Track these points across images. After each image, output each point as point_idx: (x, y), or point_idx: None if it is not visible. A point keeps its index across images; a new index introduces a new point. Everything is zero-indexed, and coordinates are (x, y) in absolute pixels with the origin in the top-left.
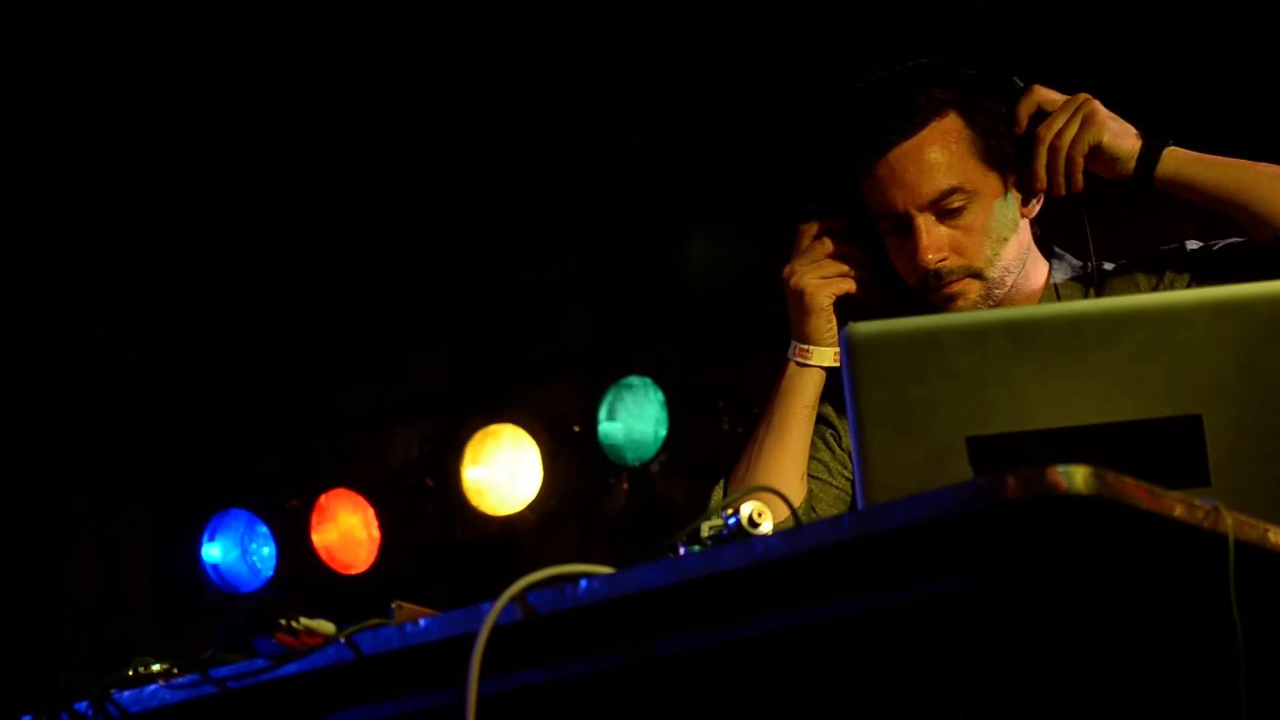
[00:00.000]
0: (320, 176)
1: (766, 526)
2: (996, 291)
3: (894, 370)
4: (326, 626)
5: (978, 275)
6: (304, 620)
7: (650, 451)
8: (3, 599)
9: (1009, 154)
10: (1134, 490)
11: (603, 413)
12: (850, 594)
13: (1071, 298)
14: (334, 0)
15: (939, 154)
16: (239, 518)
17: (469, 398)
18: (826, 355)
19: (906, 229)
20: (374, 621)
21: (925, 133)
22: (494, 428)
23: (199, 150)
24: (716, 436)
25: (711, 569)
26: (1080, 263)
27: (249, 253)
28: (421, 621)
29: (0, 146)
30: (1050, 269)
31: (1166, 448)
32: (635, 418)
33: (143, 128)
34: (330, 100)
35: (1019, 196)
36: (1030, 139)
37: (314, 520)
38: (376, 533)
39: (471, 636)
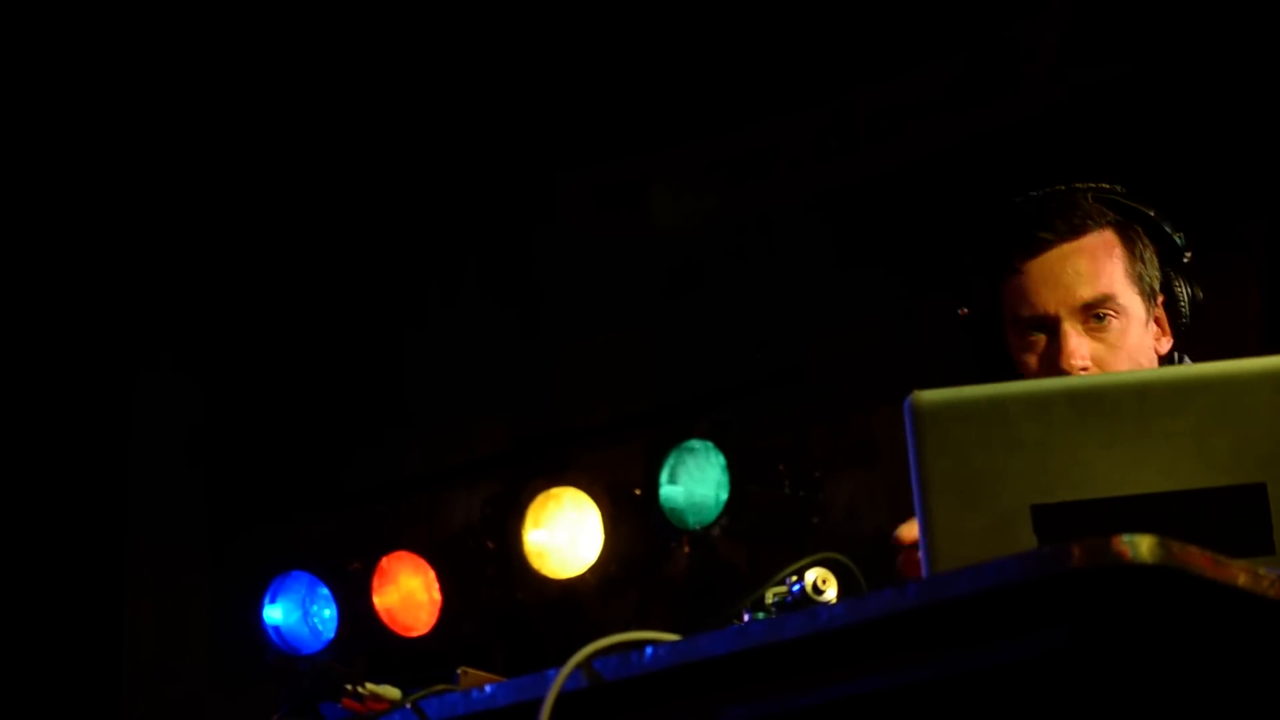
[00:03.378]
0: (383, 240)
1: (830, 594)
2: None
3: (959, 438)
4: (392, 692)
5: None
6: (370, 686)
7: (711, 515)
8: (65, 659)
9: (1153, 286)
10: (1198, 559)
11: (664, 476)
12: (915, 662)
13: None
14: (402, 64)
15: (1098, 261)
16: (300, 580)
17: (530, 461)
18: None
19: (1051, 331)
20: (440, 687)
21: (1087, 238)
22: (555, 491)
23: (262, 210)
24: (778, 500)
25: (776, 637)
26: None
27: (312, 313)
28: (487, 688)
29: (64, 211)
30: None
31: (1231, 516)
32: (696, 481)
33: (205, 189)
34: (395, 164)
35: (1154, 331)
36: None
37: (375, 583)
38: (438, 595)
39: (537, 703)
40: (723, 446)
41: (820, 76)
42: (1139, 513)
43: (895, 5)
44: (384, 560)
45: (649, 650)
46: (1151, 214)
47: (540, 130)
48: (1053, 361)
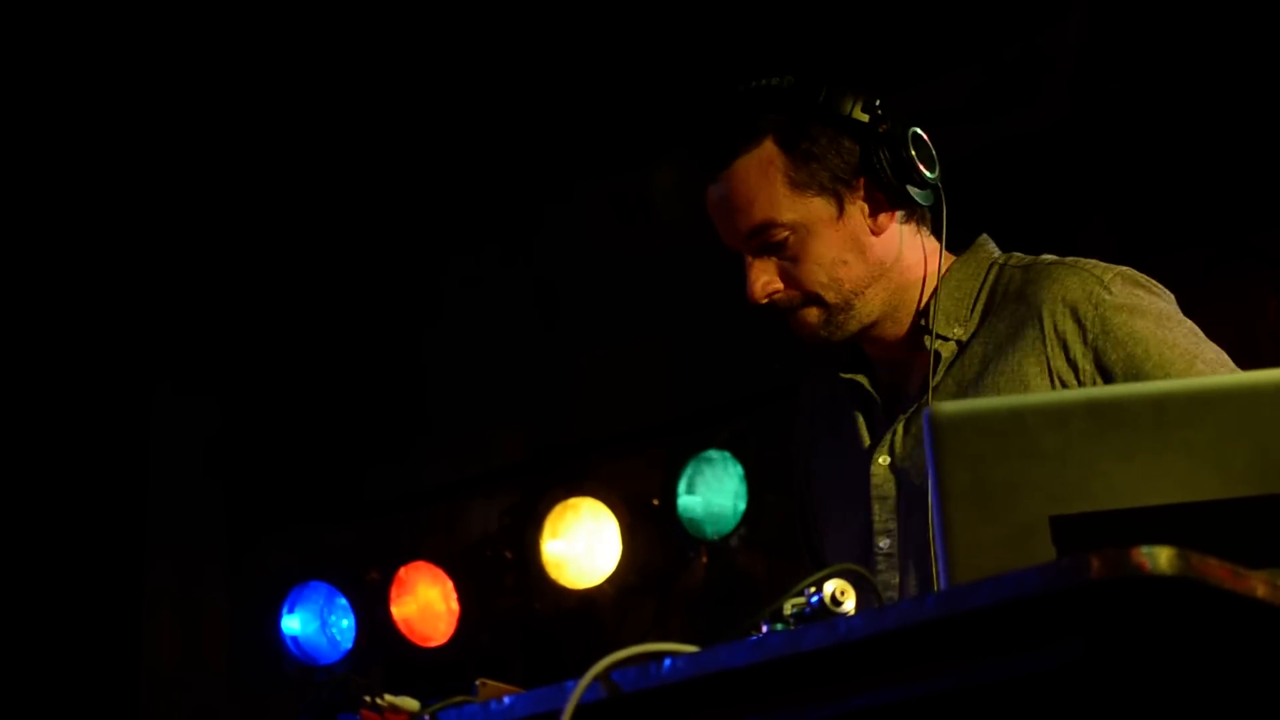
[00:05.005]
0: (399, 250)
1: (849, 605)
2: (840, 316)
3: (977, 450)
4: (410, 704)
5: (816, 301)
6: (388, 697)
7: (729, 525)
8: (83, 669)
9: (842, 174)
10: (1217, 571)
11: (682, 486)
12: (933, 674)
13: (951, 294)
14: (417, 79)
15: (750, 188)
16: (318, 590)
17: (548, 471)
18: None
19: (743, 260)
20: (458, 699)
21: (739, 163)
22: (573, 501)
23: (279, 223)
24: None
25: (796, 649)
26: (995, 252)
27: (329, 323)
28: (506, 699)
29: (83, 224)
30: (951, 264)
31: (1251, 527)
32: (714, 491)
33: (221, 203)
34: (411, 175)
35: (863, 215)
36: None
37: (393, 593)
38: (456, 605)
39: (555, 714)
40: (740, 457)
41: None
42: (1158, 524)
43: (913, 15)
44: (402, 570)
45: (668, 662)
46: (820, 99)
47: (559, 140)
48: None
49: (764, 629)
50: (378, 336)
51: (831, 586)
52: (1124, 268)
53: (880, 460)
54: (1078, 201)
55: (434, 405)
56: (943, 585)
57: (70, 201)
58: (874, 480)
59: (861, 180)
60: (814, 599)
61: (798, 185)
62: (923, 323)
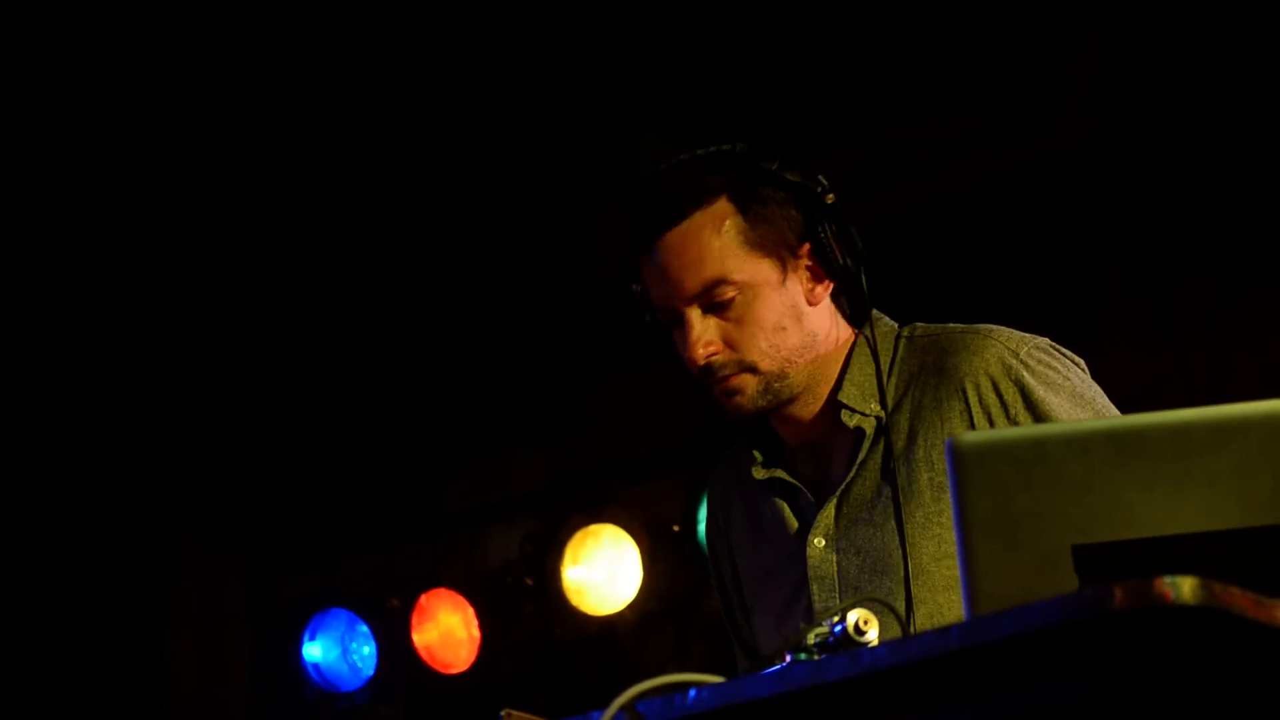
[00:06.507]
0: (419, 276)
1: (872, 635)
2: (776, 384)
3: (1000, 479)
4: None
5: (752, 369)
6: None
7: None
8: (105, 694)
9: (789, 240)
10: (1241, 600)
11: (703, 512)
12: (957, 705)
13: (861, 369)
14: (442, 97)
15: (703, 244)
16: (339, 617)
17: (569, 497)
18: None
19: (678, 320)
20: None
21: (693, 219)
22: (594, 527)
23: (297, 249)
24: None
25: (820, 679)
26: (894, 325)
27: (349, 350)
28: None
29: (105, 251)
30: (854, 339)
31: (1273, 556)
32: None
33: (242, 230)
34: (431, 201)
35: (803, 283)
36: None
37: (414, 620)
38: (477, 632)
39: None
40: None
41: (857, 113)
42: (1181, 553)
43: (932, 41)
44: (423, 597)
45: (692, 693)
46: (774, 166)
47: (581, 163)
48: (684, 353)
49: (787, 659)
50: (398, 362)
51: (855, 616)
52: (1037, 338)
53: (816, 542)
54: (1097, 226)
55: (454, 431)
56: (966, 615)
57: (92, 229)
58: (811, 561)
59: (805, 248)
60: (837, 629)
61: (750, 244)
62: (840, 399)
